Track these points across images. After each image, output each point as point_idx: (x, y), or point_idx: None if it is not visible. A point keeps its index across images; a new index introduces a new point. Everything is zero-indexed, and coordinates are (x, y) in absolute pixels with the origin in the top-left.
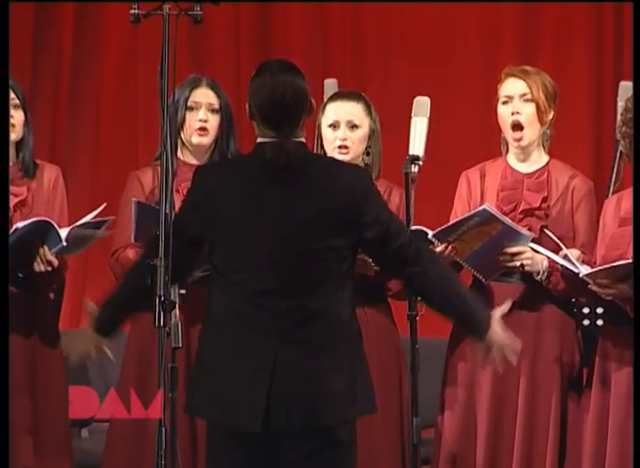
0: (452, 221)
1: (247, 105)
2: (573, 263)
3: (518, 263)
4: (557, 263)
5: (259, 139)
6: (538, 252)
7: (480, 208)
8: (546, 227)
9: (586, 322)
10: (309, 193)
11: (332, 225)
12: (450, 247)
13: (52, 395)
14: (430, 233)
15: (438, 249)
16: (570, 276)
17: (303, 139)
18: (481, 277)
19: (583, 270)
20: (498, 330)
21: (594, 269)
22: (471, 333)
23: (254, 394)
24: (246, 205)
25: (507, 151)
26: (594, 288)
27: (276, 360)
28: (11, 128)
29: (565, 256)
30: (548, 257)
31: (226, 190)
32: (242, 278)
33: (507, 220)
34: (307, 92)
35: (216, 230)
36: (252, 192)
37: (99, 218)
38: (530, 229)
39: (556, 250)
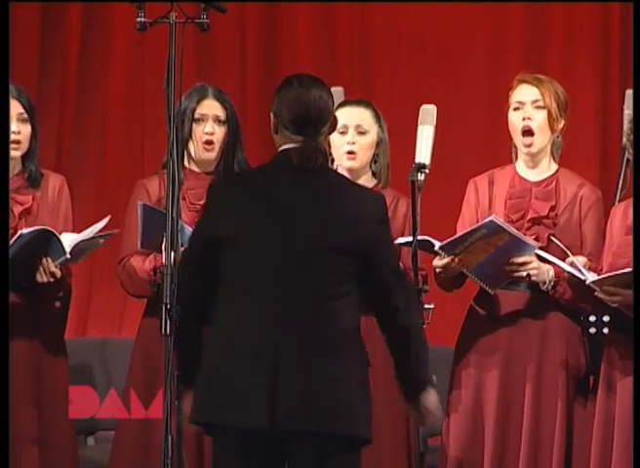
0: (459, 234)
1: (272, 116)
2: (579, 270)
3: (524, 273)
4: (564, 270)
5: (282, 147)
6: (544, 259)
7: (487, 219)
8: (554, 236)
9: (593, 330)
10: (327, 208)
11: (343, 241)
12: (456, 259)
13: (57, 405)
14: (437, 245)
15: (444, 261)
16: (577, 284)
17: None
18: (487, 288)
19: (590, 277)
20: (432, 398)
21: (601, 276)
22: (403, 393)
23: (257, 394)
24: (258, 214)
25: (517, 158)
26: (601, 295)
27: (279, 362)
28: (17, 144)
29: (572, 263)
30: (555, 265)
31: (240, 201)
32: (249, 286)
33: (514, 231)
34: (332, 106)
35: (226, 235)
36: (267, 202)
37: (103, 232)
38: (537, 238)
39: (563, 258)
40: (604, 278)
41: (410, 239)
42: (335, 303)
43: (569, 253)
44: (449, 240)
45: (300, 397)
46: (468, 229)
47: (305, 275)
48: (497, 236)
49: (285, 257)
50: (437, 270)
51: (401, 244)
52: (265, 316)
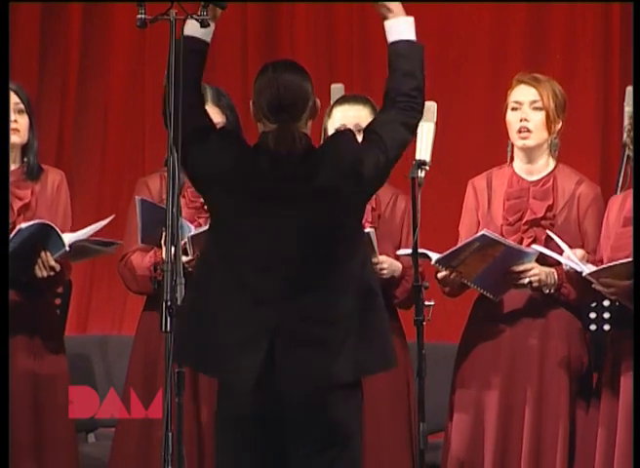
0: (453, 248)
1: (251, 103)
2: (576, 263)
3: (526, 281)
4: (563, 265)
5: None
6: (545, 263)
7: (479, 234)
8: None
9: (593, 327)
10: (310, 181)
11: (336, 205)
12: (454, 271)
13: (57, 403)
14: (434, 259)
15: (442, 273)
16: (580, 282)
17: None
18: (491, 296)
19: (587, 269)
20: None
21: (597, 268)
22: None
23: (252, 354)
24: (248, 187)
25: (512, 159)
26: (598, 287)
27: (277, 323)
28: (16, 132)
29: (568, 257)
30: (553, 258)
31: (229, 170)
32: (243, 253)
33: (508, 242)
34: (310, 91)
35: (213, 204)
36: (254, 176)
37: (108, 239)
38: (535, 239)
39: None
40: (600, 270)
41: (409, 251)
42: (334, 273)
43: (564, 247)
44: (444, 254)
45: (294, 360)
46: (462, 243)
47: (303, 253)
48: (492, 248)
49: (281, 242)
50: (439, 283)
51: (402, 255)
52: (267, 284)
